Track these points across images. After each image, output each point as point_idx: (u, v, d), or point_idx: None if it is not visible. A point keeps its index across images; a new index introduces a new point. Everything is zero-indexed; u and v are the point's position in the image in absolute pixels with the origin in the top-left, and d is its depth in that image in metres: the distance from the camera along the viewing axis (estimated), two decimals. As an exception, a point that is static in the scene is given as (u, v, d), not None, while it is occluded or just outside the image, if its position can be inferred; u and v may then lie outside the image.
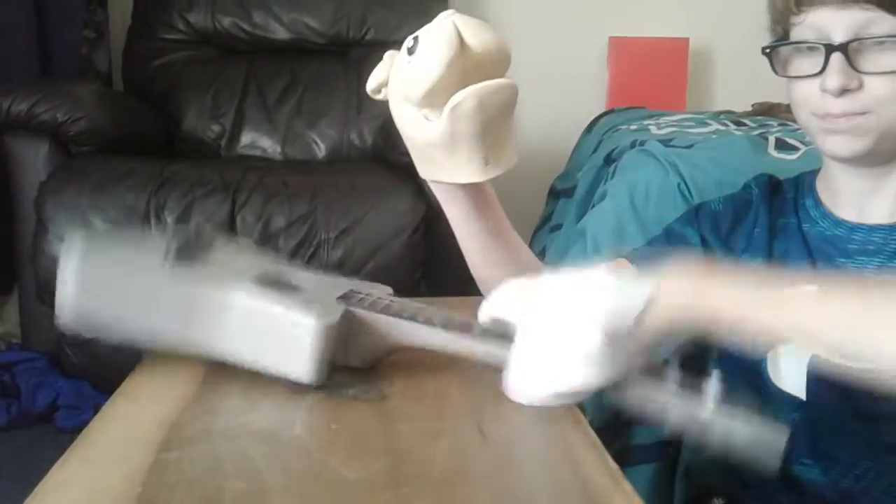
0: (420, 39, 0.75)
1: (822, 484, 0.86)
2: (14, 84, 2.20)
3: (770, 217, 0.93)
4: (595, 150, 1.74)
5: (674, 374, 0.67)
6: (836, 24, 0.79)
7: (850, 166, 0.86)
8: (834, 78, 0.79)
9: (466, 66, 0.73)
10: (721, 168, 1.28)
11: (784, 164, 1.30)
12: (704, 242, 0.95)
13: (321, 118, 2.61)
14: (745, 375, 0.87)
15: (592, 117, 2.08)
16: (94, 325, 0.68)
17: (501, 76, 0.76)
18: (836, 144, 0.83)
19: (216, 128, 2.61)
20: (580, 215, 1.56)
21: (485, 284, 0.91)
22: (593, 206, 1.42)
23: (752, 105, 2.11)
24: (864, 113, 0.80)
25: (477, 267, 0.92)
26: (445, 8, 0.86)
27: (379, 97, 0.82)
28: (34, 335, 2.23)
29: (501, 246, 0.90)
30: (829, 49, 0.79)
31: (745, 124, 1.65)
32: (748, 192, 0.97)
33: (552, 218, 1.86)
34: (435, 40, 0.73)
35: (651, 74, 2.87)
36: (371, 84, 0.81)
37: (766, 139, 1.41)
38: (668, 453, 1.15)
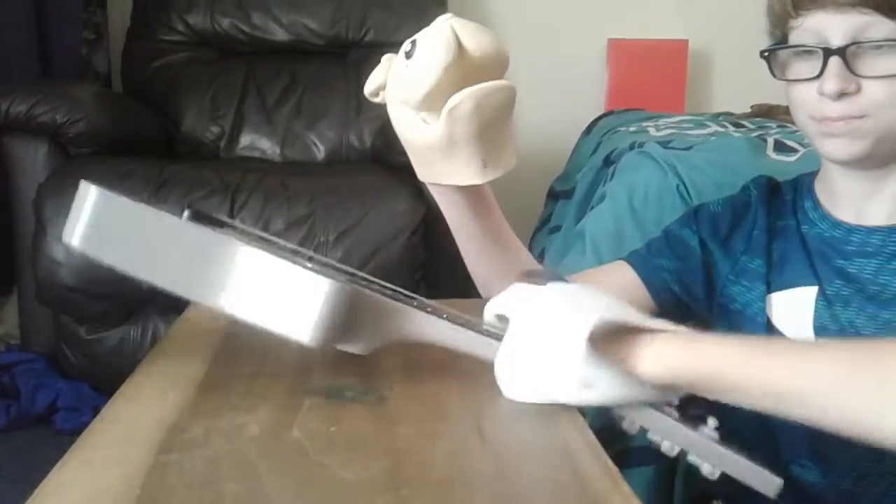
0: (418, 43, 0.75)
1: (822, 486, 0.86)
2: (13, 85, 2.20)
3: (769, 219, 0.94)
4: (594, 152, 1.74)
5: (671, 410, 0.67)
6: (834, 27, 0.79)
7: (849, 169, 0.86)
8: (832, 82, 0.79)
9: (464, 70, 0.73)
10: (720, 170, 1.28)
11: (783, 165, 1.31)
12: (703, 244, 0.95)
13: (320, 119, 2.61)
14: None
15: (591, 119, 2.08)
16: (101, 252, 0.67)
17: (500, 79, 0.76)
18: (834, 147, 0.83)
19: (215, 129, 2.61)
20: (579, 217, 1.56)
21: (484, 286, 0.91)
22: (592, 208, 1.42)
23: (751, 107, 2.11)
24: (861, 116, 0.80)
25: (476, 269, 0.92)
26: (444, 10, 0.86)
27: (377, 100, 0.82)
28: (33, 336, 2.23)
29: (500, 248, 0.90)
30: (827, 53, 0.80)
31: (743, 126, 1.65)
32: (747, 193, 0.97)
33: (551, 219, 1.86)
34: (433, 44, 0.73)
35: (650, 76, 2.87)
36: (369, 87, 0.81)
37: (765, 141, 1.42)
38: (667, 455, 1.15)
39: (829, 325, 0.85)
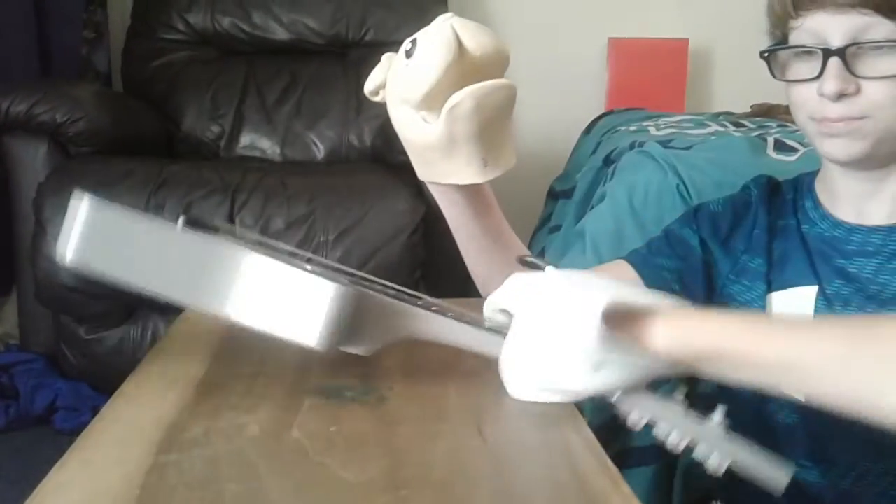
0: (418, 42, 0.75)
1: (822, 485, 0.86)
2: (13, 84, 2.20)
3: (769, 218, 0.93)
4: (594, 152, 1.74)
5: (679, 396, 0.67)
6: (833, 28, 0.79)
7: (849, 169, 0.86)
8: (831, 83, 0.79)
9: (465, 70, 0.73)
10: (720, 169, 1.28)
11: (783, 165, 1.31)
12: (703, 244, 0.95)
13: (320, 119, 2.61)
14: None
15: (591, 118, 2.08)
16: (98, 266, 0.65)
17: (500, 78, 0.76)
18: (833, 148, 0.83)
19: (215, 128, 2.61)
20: (579, 216, 1.56)
21: (484, 285, 0.91)
22: (592, 208, 1.42)
23: (751, 106, 2.11)
24: (861, 117, 0.80)
25: (476, 268, 0.92)
26: (444, 9, 0.86)
27: (377, 99, 0.82)
28: (33, 336, 2.23)
29: (500, 247, 0.90)
30: (827, 54, 0.79)
31: (743, 125, 1.65)
32: (747, 193, 0.97)
33: (551, 219, 1.86)
34: (433, 44, 0.73)
35: (650, 75, 2.87)
36: (369, 86, 0.81)
37: (765, 140, 1.42)
38: (667, 455, 1.15)
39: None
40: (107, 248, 0.65)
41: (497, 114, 0.77)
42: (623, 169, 1.39)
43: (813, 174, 0.94)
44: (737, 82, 2.46)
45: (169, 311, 2.03)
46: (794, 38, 0.83)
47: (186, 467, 0.56)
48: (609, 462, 0.58)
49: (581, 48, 2.98)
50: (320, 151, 2.59)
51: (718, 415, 0.65)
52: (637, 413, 0.67)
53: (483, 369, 0.71)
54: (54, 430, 2.01)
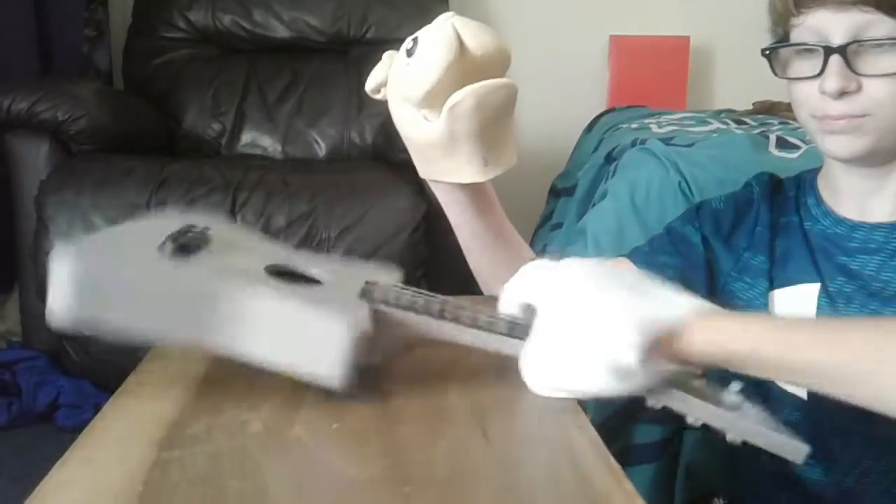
0: (419, 41, 0.75)
1: (824, 483, 0.86)
2: (14, 83, 2.21)
3: (771, 215, 0.93)
4: (596, 149, 1.74)
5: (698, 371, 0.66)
6: (835, 26, 0.79)
7: (851, 166, 0.86)
8: (832, 80, 0.79)
9: (466, 68, 0.73)
10: (722, 167, 1.28)
11: (785, 162, 1.30)
12: (705, 241, 0.95)
13: (322, 117, 2.61)
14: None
15: (593, 116, 2.08)
16: (94, 328, 0.63)
17: (501, 77, 0.76)
18: (835, 145, 0.83)
19: (216, 126, 2.61)
20: (581, 214, 1.56)
21: (486, 283, 0.91)
22: (594, 205, 1.42)
23: (753, 103, 2.11)
24: (863, 115, 0.80)
25: (478, 266, 0.92)
26: (446, 8, 0.86)
27: (378, 97, 0.82)
28: (35, 333, 2.23)
29: (502, 245, 0.90)
30: (828, 51, 0.79)
31: (745, 123, 1.65)
32: (749, 190, 0.97)
33: (553, 217, 1.86)
34: (434, 42, 0.73)
35: (652, 73, 2.87)
36: (370, 84, 0.81)
37: (767, 138, 1.41)
38: (668, 453, 1.15)
39: (832, 323, 0.85)
40: (99, 304, 0.62)
41: (498, 112, 0.77)
42: (625, 166, 1.39)
43: (815, 171, 0.94)
44: (738, 80, 2.46)
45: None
46: (796, 36, 0.83)
47: (188, 464, 0.56)
48: (612, 460, 0.58)
49: (582, 46, 2.98)
50: (321, 149, 2.59)
51: (734, 388, 0.64)
52: (653, 398, 0.66)
53: (486, 367, 0.71)
54: (56, 428, 2.01)
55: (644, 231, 1.22)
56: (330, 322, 0.62)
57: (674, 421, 1.13)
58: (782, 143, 1.38)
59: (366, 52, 2.62)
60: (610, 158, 1.53)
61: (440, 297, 0.71)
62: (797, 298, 0.88)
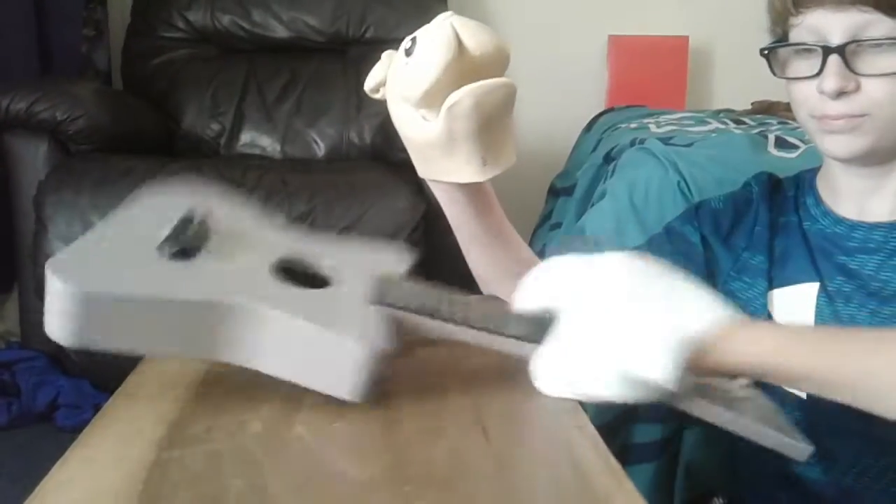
0: (418, 41, 0.74)
1: (823, 482, 0.86)
2: (13, 82, 2.21)
3: (770, 215, 0.93)
4: (594, 149, 1.74)
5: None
6: (833, 25, 0.79)
7: (850, 166, 0.86)
8: (831, 80, 0.79)
9: (464, 68, 0.73)
10: (721, 166, 1.28)
11: (784, 162, 1.31)
12: (704, 241, 0.95)
13: (321, 117, 2.61)
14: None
15: (592, 116, 2.08)
16: (95, 347, 0.61)
17: (500, 77, 0.76)
18: (834, 144, 0.83)
19: (215, 126, 2.61)
20: (580, 214, 1.56)
21: (485, 283, 0.91)
22: (593, 205, 1.42)
23: (752, 103, 2.11)
24: (861, 115, 0.80)
25: (477, 266, 0.92)
26: (444, 7, 0.86)
27: (377, 96, 0.81)
28: (34, 334, 2.23)
29: (501, 245, 0.90)
30: (827, 51, 0.79)
31: (744, 123, 1.65)
32: (748, 190, 0.97)
33: (552, 216, 1.86)
34: (433, 42, 0.73)
35: (651, 73, 2.87)
36: (369, 83, 0.81)
37: (766, 137, 1.41)
38: (668, 452, 1.15)
39: (831, 322, 0.85)
40: (98, 329, 0.60)
41: (497, 112, 0.76)
42: (624, 166, 1.39)
43: (814, 171, 0.94)
44: (737, 79, 2.46)
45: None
46: (795, 36, 0.83)
47: (188, 464, 0.56)
48: (612, 459, 0.58)
49: (581, 46, 2.97)
50: (320, 149, 2.59)
51: (743, 381, 0.64)
52: (675, 403, 0.65)
53: (486, 367, 0.71)
54: (56, 428, 2.01)
55: (643, 231, 1.23)
56: (346, 344, 0.61)
57: (674, 420, 1.14)
58: (781, 143, 1.38)
59: (365, 51, 2.62)
60: (609, 158, 1.53)
61: (451, 296, 0.69)
62: (796, 298, 0.88)
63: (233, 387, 0.68)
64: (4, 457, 1.86)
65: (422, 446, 0.59)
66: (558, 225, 1.77)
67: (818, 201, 0.91)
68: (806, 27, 0.82)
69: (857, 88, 0.79)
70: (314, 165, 2.41)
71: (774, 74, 0.87)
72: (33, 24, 2.51)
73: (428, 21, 0.75)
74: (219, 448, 0.58)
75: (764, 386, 0.86)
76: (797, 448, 0.63)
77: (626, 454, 1.14)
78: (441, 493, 0.53)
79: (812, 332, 0.69)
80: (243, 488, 0.53)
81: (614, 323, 0.63)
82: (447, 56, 0.72)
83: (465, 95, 0.73)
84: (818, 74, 0.80)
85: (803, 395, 0.84)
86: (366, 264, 0.73)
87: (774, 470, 0.89)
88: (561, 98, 2.90)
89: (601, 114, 2.07)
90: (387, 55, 0.80)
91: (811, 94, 0.82)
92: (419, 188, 1.98)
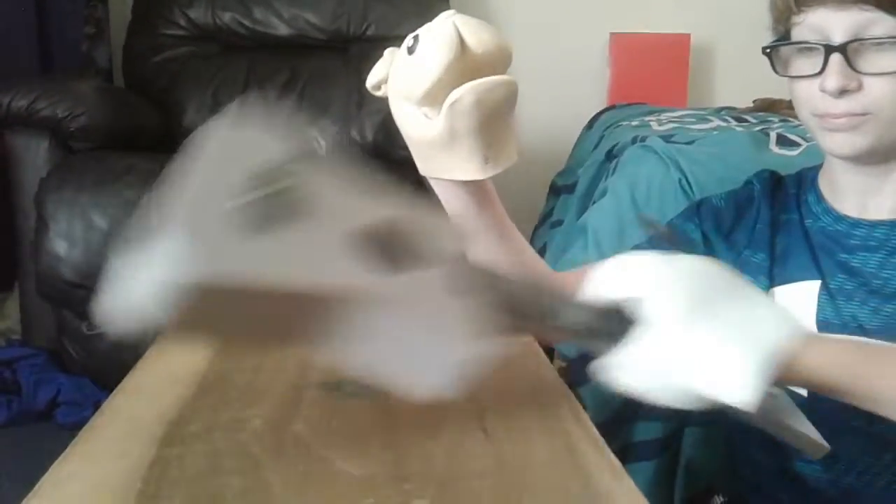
0: (420, 39, 0.74)
1: (824, 481, 0.86)
2: (14, 80, 2.20)
3: (772, 213, 0.93)
4: (596, 147, 1.74)
5: None
6: (835, 24, 0.79)
7: (852, 164, 0.86)
8: (833, 79, 0.79)
9: (466, 67, 0.73)
10: (722, 164, 1.28)
11: (785, 160, 1.30)
12: (706, 238, 0.95)
13: (322, 114, 2.61)
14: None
15: (593, 113, 2.08)
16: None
17: (502, 75, 0.76)
18: (836, 143, 0.83)
19: (217, 124, 2.60)
20: (581, 211, 1.56)
21: (486, 281, 0.91)
22: (594, 203, 1.42)
23: (754, 101, 2.11)
24: (863, 113, 0.79)
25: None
26: (446, 5, 0.85)
27: (379, 94, 0.81)
28: (35, 331, 2.23)
29: (503, 243, 0.90)
30: (829, 50, 0.79)
31: (746, 120, 1.65)
32: (750, 188, 0.97)
33: (553, 214, 1.86)
34: (435, 41, 0.73)
35: (652, 70, 2.87)
36: (371, 80, 0.81)
37: (768, 135, 1.41)
38: (669, 450, 1.15)
39: (832, 320, 0.85)
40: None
41: (498, 110, 0.76)
42: (625, 164, 1.39)
43: (816, 169, 0.94)
44: (739, 77, 2.46)
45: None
46: (796, 34, 0.83)
47: (188, 461, 0.56)
48: (612, 457, 0.58)
49: (583, 43, 2.97)
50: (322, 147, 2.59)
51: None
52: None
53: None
54: (56, 425, 2.01)
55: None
56: (458, 345, 0.58)
57: (674, 419, 1.14)
58: (783, 141, 1.38)
59: (366, 49, 2.62)
60: (610, 156, 1.53)
61: (518, 285, 0.66)
62: (797, 296, 0.87)
63: (232, 385, 0.68)
64: (4, 454, 1.86)
65: (421, 443, 0.59)
66: (559, 222, 1.77)
67: (820, 199, 0.91)
68: (808, 25, 0.82)
69: (860, 87, 0.79)
70: (315, 163, 2.41)
71: (776, 73, 0.86)
72: (34, 21, 2.51)
73: (429, 19, 0.75)
74: (218, 445, 0.58)
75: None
76: (818, 445, 0.63)
77: (626, 452, 1.14)
78: (441, 489, 0.53)
79: (883, 350, 0.67)
80: (243, 485, 0.53)
81: (695, 339, 0.61)
82: (449, 54, 0.72)
83: (466, 93, 0.73)
84: (820, 73, 0.80)
85: (804, 394, 0.84)
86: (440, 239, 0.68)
87: (775, 468, 0.89)
88: (562, 95, 2.89)
89: (603, 111, 2.07)
90: (389, 52, 0.80)
91: (813, 93, 0.82)
92: (420, 186, 1.98)
